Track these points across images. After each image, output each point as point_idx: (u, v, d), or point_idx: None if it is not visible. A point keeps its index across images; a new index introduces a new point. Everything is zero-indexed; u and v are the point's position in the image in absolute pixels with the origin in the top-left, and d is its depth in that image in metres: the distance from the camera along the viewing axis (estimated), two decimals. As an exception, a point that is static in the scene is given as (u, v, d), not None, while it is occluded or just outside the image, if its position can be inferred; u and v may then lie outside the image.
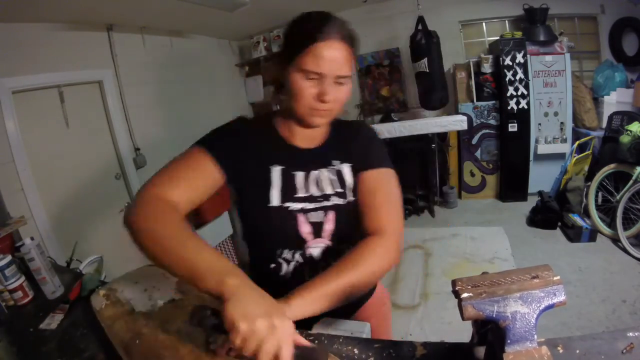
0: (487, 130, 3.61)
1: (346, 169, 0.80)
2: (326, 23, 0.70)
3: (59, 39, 2.28)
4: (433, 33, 3.26)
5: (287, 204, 0.76)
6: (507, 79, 3.32)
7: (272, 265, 0.81)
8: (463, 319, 0.44)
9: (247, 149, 0.77)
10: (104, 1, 2.17)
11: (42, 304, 1.00)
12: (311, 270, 0.80)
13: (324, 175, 0.79)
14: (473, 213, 3.52)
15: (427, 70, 3.27)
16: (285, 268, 0.81)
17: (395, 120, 3.70)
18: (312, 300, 0.59)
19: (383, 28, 3.81)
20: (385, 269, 0.68)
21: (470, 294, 0.44)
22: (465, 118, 3.29)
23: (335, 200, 0.78)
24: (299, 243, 0.79)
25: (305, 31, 0.70)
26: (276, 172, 0.77)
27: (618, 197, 2.62)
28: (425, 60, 3.26)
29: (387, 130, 3.35)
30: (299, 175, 0.78)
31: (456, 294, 0.45)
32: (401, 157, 3.57)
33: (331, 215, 0.78)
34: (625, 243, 2.47)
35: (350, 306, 0.87)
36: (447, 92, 3.45)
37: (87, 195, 2.45)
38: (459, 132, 3.63)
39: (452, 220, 3.45)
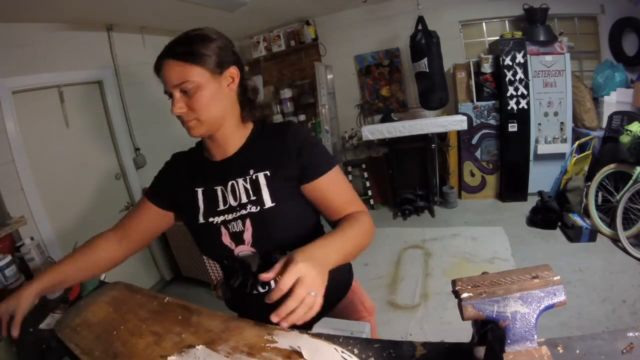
0: (487, 130, 3.61)
1: (262, 177, 0.81)
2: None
3: (59, 39, 2.29)
4: (433, 33, 3.26)
5: (211, 219, 0.83)
6: (507, 79, 3.32)
7: (222, 270, 0.96)
8: (463, 319, 0.44)
9: (177, 180, 0.88)
10: (104, 1, 2.17)
11: (42, 304, 1.00)
12: (254, 278, 0.86)
13: (240, 184, 0.82)
14: (473, 213, 3.52)
15: (427, 70, 3.27)
16: (229, 274, 0.92)
17: (395, 120, 3.69)
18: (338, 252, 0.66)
19: (383, 28, 3.81)
20: (372, 233, 0.78)
21: (470, 294, 0.44)
22: (465, 118, 3.29)
23: (250, 209, 0.80)
24: (226, 252, 0.83)
25: None
26: (199, 193, 0.85)
27: (618, 197, 2.61)
28: (425, 60, 3.26)
29: (387, 130, 3.35)
30: (219, 190, 0.84)
31: (456, 294, 0.45)
32: (401, 157, 3.56)
33: (248, 223, 0.80)
34: (625, 243, 2.47)
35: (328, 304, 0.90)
36: (447, 92, 3.44)
37: (87, 195, 2.46)
38: (459, 132, 3.63)
39: (452, 220, 3.44)
